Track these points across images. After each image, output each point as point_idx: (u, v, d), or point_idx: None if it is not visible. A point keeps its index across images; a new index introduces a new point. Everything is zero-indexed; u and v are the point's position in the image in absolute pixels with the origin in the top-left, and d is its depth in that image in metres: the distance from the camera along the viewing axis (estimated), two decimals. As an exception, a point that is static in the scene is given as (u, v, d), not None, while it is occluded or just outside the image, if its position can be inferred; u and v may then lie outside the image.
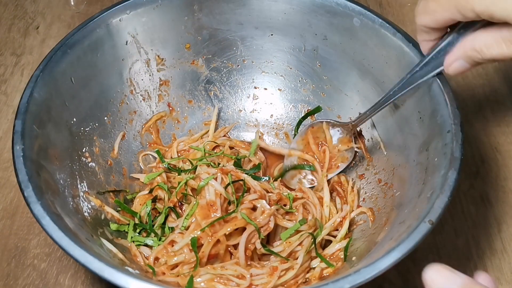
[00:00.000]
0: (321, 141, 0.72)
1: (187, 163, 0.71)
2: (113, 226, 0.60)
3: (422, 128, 0.60)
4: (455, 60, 0.53)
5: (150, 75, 0.73)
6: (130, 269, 0.52)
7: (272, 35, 0.74)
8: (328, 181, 0.70)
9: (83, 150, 0.64)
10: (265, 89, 0.78)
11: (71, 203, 0.56)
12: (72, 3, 0.99)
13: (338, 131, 0.71)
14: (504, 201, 0.73)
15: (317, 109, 0.75)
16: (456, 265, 0.62)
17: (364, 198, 0.67)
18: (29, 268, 0.66)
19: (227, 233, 0.57)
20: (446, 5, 0.49)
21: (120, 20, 0.67)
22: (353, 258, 0.58)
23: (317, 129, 0.72)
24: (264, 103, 0.79)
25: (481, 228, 0.70)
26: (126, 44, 0.69)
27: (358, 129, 0.71)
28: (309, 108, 0.77)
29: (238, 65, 0.77)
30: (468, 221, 0.71)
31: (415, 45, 0.61)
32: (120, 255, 0.55)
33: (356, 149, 0.71)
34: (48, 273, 0.65)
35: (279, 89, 0.78)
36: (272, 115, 0.79)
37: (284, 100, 0.78)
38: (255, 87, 0.79)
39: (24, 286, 0.64)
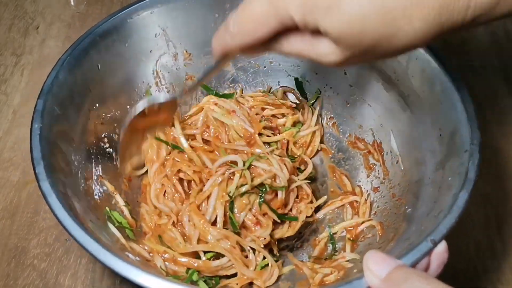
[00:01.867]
0: None
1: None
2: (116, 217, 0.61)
3: (441, 145, 0.58)
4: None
5: (176, 69, 0.74)
6: (130, 255, 0.53)
7: (301, 39, 0.74)
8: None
9: (102, 136, 0.65)
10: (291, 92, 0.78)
11: (83, 185, 0.57)
12: (72, 3, 1.00)
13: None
14: (504, 201, 0.72)
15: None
16: (456, 265, 0.61)
17: (375, 212, 0.66)
18: (29, 268, 0.66)
19: None
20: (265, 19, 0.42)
21: (151, 12, 0.69)
22: (354, 271, 0.57)
23: None
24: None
25: (481, 228, 0.69)
26: (155, 36, 0.71)
27: (378, 141, 0.70)
28: (332, 115, 0.76)
29: (265, 67, 0.77)
30: (468, 221, 0.70)
31: (441, 58, 0.59)
32: (123, 241, 0.55)
33: (374, 162, 0.70)
34: (48, 273, 0.66)
35: (303, 94, 0.78)
36: (294, 119, 0.79)
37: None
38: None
39: (24, 286, 0.65)
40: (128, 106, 0.69)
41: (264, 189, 0.62)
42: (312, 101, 0.77)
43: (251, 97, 0.76)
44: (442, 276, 0.63)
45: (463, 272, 0.66)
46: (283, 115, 0.75)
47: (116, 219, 0.59)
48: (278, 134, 0.73)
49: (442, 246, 0.47)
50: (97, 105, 0.64)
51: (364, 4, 0.38)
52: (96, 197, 0.59)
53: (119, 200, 0.62)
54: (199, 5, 0.71)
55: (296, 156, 0.72)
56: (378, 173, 0.69)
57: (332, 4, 0.39)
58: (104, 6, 1.00)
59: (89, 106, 0.63)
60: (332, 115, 0.76)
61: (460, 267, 0.66)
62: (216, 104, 0.71)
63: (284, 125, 0.74)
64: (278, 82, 0.78)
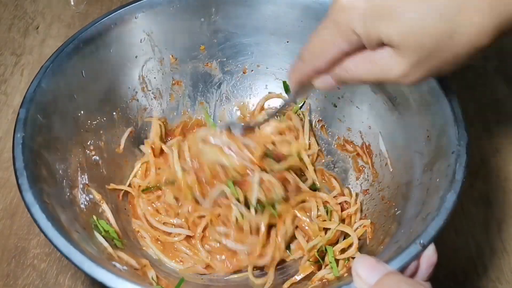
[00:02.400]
0: None
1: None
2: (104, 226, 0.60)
3: (429, 147, 0.58)
4: (323, 75, 0.50)
5: (163, 74, 0.74)
6: (118, 265, 0.53)
7: (288, 42, 0.73)
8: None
9: (88, 143, 0.64)
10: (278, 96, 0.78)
11: (68, 194, 0.57)
12: (72, 3, 1.00)
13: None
14: (504, 201, 0.72)
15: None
16: (456, 265, 0.61)
17: (366, 214, 0.66)
18: (29, 268, 0.66)
19: None
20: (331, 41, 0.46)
21: (136, 17, 0.68)
22: (345, 275, 0.57)
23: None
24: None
25: (481, 228, 0.70)
26: (141, 42, 0.70)
27: (367, 143, 0.70)
28: (320, 118, 0.76)
29: (252, 70, 0.77)
30: (468, 221, 0.70)
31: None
32: (110, 250, 0.55)
33: (363, 164, 0.70)
34: (48, 273, 0.66)
35: (291, 97, 0.77)
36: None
37: (295, 108, 0.78)
38: (269, 93, 0.78)
39: (24, 286, 0.65)
40: (114, 113, 0.69)
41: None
42: (300, 105, 0.76)
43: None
44: (442, 276, 0.64)
45: (463, 272, 0.66)
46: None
47: (103, 228, 0.58)
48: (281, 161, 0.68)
49: (431, 249, 0.47)
50: (82, 112, 0.64)
51: (420, 7, 0.40)
52: (82, 206, 0.58)
53: (106, 209, 0.61)
54: (184, 10, 0.70)
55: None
56: (368, 176, 0.69)
57: (391, 10, 0.41)
58: (104, 6, 1.00)
59: (73, 114, 0.62)
60: (320, 118, 0.76)
61: (460, 266, 0.66)
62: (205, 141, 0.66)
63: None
64: (266, 85, 0.78)
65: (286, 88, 0.77)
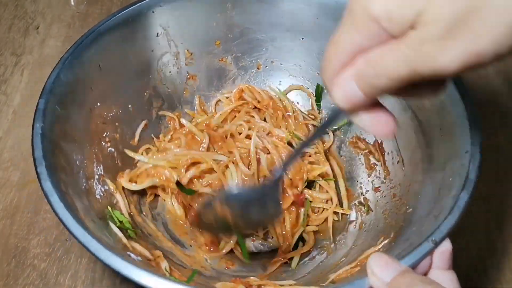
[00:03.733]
0: None
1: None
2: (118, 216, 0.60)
3: (442, 146, 0.58)
4: (344, 81, 0.37)
5: (178, 68, 0.74)
6: (132, 255, 0.53)
7: (303, 39, 0.74)
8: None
9: (104, 135, 0.65)
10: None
11: (84, 184, 0.57)
12: (72, 3, 1.01)
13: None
14: (504, 201, 0.72)
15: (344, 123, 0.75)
16: (456, 265, 0.61)
17: (375, 211, 0.66)
18: (29, 268, 0.66)
19: None
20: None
21: (153, 12, 0.69)
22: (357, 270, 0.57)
23: None
24: (288, 106, 0.79)
25: (481, 228, 0.69)
26: (157, 36, 0.71)
27: (379, 141, 0.70)
28: (333, 115, 0.76)
29: (267, 66, 0.77)
30: (468, 221, 0.70)
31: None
32: (125, 240, 0.55)
33: (375, 162, 0.70)
34: (48, 273, 0.66)
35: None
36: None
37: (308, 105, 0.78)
38: (280, 89, 0.78)
39: (24, 286, 0.65)
40: (129, 106, 0.70)
41: None
42: (336, 127, 0.76)
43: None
44: None
45: (463, 272, 0.66)
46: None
47: (118, 218, 0.59)
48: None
49: (447, 246, 0.47)
50: (98, 104, 0.64)
51: None
52: (98, 196, 0.59)
53: (119, 200, 0.62)
54: (201, 4, 0.71)
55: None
56: (379, 173, 0.69)
57: None
58: (104, 6, 1.00)
59: (90, 106, 0.63)
60: (333, 115, 0.76)
61: (460, 266, 0.65)
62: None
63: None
64: (280, 82, 0.78)
65: (318, 93, 0.76)
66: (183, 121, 0.73)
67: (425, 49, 0.32)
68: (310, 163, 0.70)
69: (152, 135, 0.73)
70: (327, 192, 0.69)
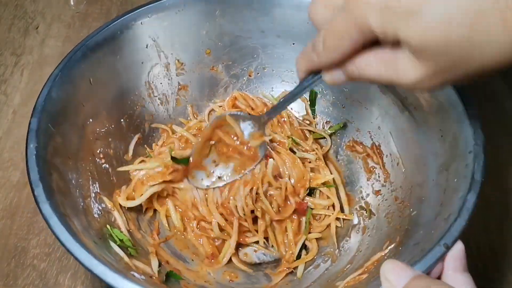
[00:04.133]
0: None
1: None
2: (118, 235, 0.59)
3: (443, 147, 0.58)
4: (334, 69, 0.45)
5: (169, 79, 0.73)
6: (136, 274, 0.52)
7: (294, 44, 0.73)
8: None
9: (98, 151, 0.63)
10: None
11: (82, 204, 0.56)
12: (72, 3, 1.00)
13: (249, 125, 0.65)
14: (504, 201, 0.72)
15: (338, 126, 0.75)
16: None
17: (377, 215, 0.66)
18: (29, 268, 0.65)
19: None
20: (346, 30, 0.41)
21: (141, 23, 0.67)
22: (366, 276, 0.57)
23: (224, 122, 0.66)
24: (282, 113, 0.78)
25: (481, 228, 0.69)
26: (146, 47, 0.69)
27: (376, 143, 0.70)
28: (328, 119, 0.76)
29: (258, 73, 0.77)
30: (468, 221, 0.69)
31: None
32: (126, 259, 0.54)
33: (374, 165, 0.70)
34: (48, 273, 0.65)
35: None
36: (290, 125, 0.78)
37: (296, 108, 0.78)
38: (273, 96, 0.78)
39: (24, 286, 0.64)
40: (121, 120, 0.68)
41: None
42: (332, 131, 0.75)
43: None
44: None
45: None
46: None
47: (118, 237, 0.57)
48: None
49: (459, 248, 0.46)
50: (90, 120, 0.63)
51: (451, 5, 0.34)
52: (96, 215, 0.58)
53: (117, 217, 0.60)
54: (190, 14, 0.70)
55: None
56: (379, 176, 0.69)
57: (414, 7, 0.35)
58: (103, 6, 1.00)
59: (83, 122, 0.61)
60: (328, 119, 0.76)
61: None
62: None
63: None
64: (272, 88, 0.77)
65: (312, 98, 0.76)
66: (175, 127, 0.73)
67: (401, 69, 0.40)
68: (311, 169, 0.69)
69: (145, 145, 0.72)
70: (328, 198, 0.68)
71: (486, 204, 0.71)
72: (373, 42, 0.41)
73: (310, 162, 0.70)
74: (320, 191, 0.70)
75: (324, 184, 0.70)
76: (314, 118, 0.76)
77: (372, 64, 0.42)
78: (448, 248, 0.46)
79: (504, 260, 0.67)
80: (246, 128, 0.65)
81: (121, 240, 0.57)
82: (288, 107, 0.75)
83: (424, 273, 0.44)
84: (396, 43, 0.39)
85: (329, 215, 0.67)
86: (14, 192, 0.72)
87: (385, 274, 0.42)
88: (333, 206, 0.68)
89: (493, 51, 0.35)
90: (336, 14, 0.41)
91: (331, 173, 0.70)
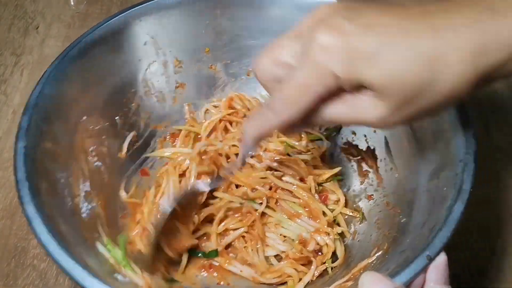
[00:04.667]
0: None
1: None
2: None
3: (436, 153, 0.57)
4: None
5: (166, 77, 0.73)
6: (120, 277, 0.52)
7: (293, 44, 0.72)
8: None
9: (90, 149, 0.64)
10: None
11: (69, 203, 0.56)
12: (72, 3, 1.00)
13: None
14: (504, 201, 0.72)
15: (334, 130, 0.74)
16: (456, 265, 0.60)
17: (368, 220, 0.65)
18: (29, 268, 0.66)
19: None
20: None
21: (140, 20, 0.67)
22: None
23: None
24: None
25: (481, 228, 0.69)
26: (145, 44, 0.69)
27: (371, 147, 0.69)
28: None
29: (257, 72, 0.76)
30: (468, 221, 0.68)
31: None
32: (112, 261, 0.54)
33: (368, 169, 0.69)
34: (48, 273, 0.65)
35: (296, 100, 0.76)
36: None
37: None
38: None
39: (24, 286, 0.64)
40: (116, 117, 0.68)
41: None
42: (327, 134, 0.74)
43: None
44: None
45: (463, 272, 0.66)
46: None
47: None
48: None
49: (442, 260, 0.46)
50: (84, 117, 0.63)
51: (402, 51, 0.39)
52: (84, 215, 0.58)
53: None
54: (189, 12, 0.70)
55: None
56: (372, 181, 0.68)
57: (373, 54, 0.39)
58: (104, 6, 0.99)
59: (76, 120, 0.62)
60: (325, 121, 0.75)
61: (460, 266, 0.66)
62: None
63: None
64: (270, 87, 0.77)
65: None
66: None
67: (364, 109, 0.42)
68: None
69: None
70: (334, 193, 0.68)
71: (486, 204, 0.71)
72: (334, 92, 0.42)
73: (306, 163, 0.69)
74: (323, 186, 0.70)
75: (327, 179, 0.69)
76: None
77: (334, 109, 0.43)
78: (431, 259, 0.45)
79: (504, 260, 0.66)
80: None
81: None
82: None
83: (404, 286, 0.43)
84: (356, 87, 0.41)
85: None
86: (14, 192, 0.70)
87: (364, 286, 0.42)
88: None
89: (443, 85, 0.40)
90: (289, 70, 0.42)
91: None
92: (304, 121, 0.44)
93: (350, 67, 0.39)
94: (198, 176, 0.65)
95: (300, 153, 0.70)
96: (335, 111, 0.43)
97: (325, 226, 0.63)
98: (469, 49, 0.39)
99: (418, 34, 0.39)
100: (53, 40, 0.93)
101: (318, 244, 0.62)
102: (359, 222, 0.66)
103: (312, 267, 0.61)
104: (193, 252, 0.64)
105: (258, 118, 0.46)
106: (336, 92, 0.42)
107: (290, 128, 0.45)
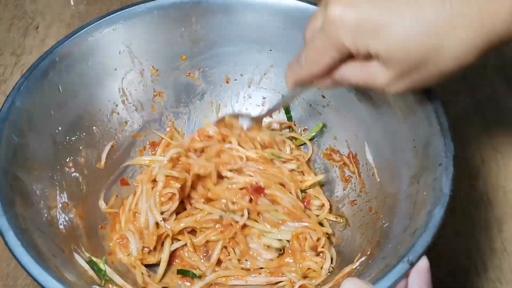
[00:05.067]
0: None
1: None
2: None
3: (415, 158, 0.57)
4: (323, 78, 0.52)
5: (144, 86, 0.72)
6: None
7: (271, 50, 0.72)
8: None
9: (67, 160, 0.62)
10: (263, 105, 0.76)
11: (46, 215, 0.55)
12: (72, 3, 0.99)
13: (247, 121, 0.70)
14: (504, 201, 0.72)
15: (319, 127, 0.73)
16: (456, 265, 0.60)
17: (351, 225, 0.65)
18: None
19: None
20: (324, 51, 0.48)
21: (113, 29, 0.66)
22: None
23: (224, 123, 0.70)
24: (260, 119, 0.77)
25: (481, 228, 0.69)
26: (120, 53, 0.68)
27: (353, 152, 0.69)
28: (306, 127, 0.74)
29: (236, 79, 0.75)
30: (468, 221, 0.70)
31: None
32: (91, 272, 0.53)
33: (350, 174, 0.69)
34: None
35: (276, 106, 0.76)
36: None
37: (280, 117, 0.76)
38: (251, 103, 0.77)
39: (24, 286, 0.64)
40: (93, 128, 0.67)
41: None
42: (313, 134, 0.74)
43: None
44: (442, 276, 0.63)
45: (463, 272, 0.66)
46: None
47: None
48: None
49: (423, 264, 0.46)
50: (59, 128, 0.62)
51: (407, 22, 0.41)
52: (61, 226, 0.57)
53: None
54: (164, 20, 0.69)
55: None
56: (355, 186, 0.68)
57: (379, 25, 0.42)
58: (103, 6, 0.99)
59: (50, 131, 0.60)
60: (306, 127, 0.75)
61: (460, 266, 0.66)
62: None
63: None
64: (250, 95, 0.76)
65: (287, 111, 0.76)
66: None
67: (373, 73, 0.47)
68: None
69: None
70: (317, 198, 0.69)
71: (486, 204, 0.71)
72: (349, 56, 0.47)
73: (292, 170, 0.69)
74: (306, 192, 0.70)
75: (311, 186, 0.69)
76: (294, 125, 0.75)
77: (350, 70, 0.49)
78: (412, 265, 0.45)
79: (504, 260, 0.67)
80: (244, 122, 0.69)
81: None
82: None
83: None
84: (367, 56, 0.45)
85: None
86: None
87: None
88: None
89: (448, 52, 0.42)
90: (315, 35, 0.48)
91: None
92: (328, 76, 0.51)
93: (357, 39, 0.44)
94: (167, 182, 0.63)
95: (285, 162, 0.70)
96: (349, 71, 0.49)
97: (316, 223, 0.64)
98: (477, 16, 0.40)
99: (425, 4, 0.41)
100: (53, 40, 0.92)
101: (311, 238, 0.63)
102: (342, 229, 0.66)
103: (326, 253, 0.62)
104: (184, 272, 0.63)
105: (293, 69, 0.54)
106: (352, 56, 0.47)
107: (317, 79, 0.52)
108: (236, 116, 0.70)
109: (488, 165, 0.76)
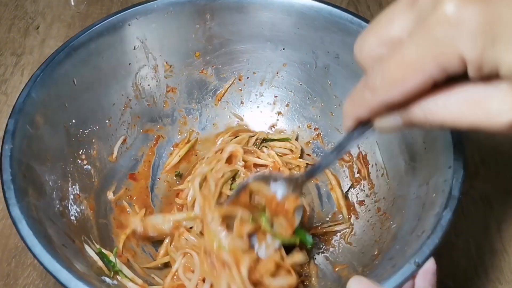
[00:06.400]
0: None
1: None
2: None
3: (426, 159, 0.57)
4: (390, 113, 0.36)
5: (157, 81, 0.73)
6: (107, 279, 0.52)
7: (284, 49, 0.72)
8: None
9: (80, 152, 0.63)
10: (274, 103, 0.77)
11: (58, 206, 0.55)
12: (72, 3, 1.00)
13: (282, 185, 0.56)
14: (504, 201, 0.72)
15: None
16: (456, 265, 0.60)
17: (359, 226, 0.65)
18: (29, 268, 0.65)
19: None
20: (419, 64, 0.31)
21: (129, 24, 0.67)
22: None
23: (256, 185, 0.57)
24: (270, 117, 0.77)
25: (481, 228, 0.69)
26: (134, 49, 0.69)
27: (363, 153, 0.69)
28: (317, 126, 0.75)
29: (248, 77, 0.76)
30: (468, 221, 0.70)
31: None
32: (100, 263, 0.54)
33: (359, 174, 0.69)
34: None
35: (287, 104, 0.76)
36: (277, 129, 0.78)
37: (291, 116, 0.77)
38: (263, 101, 0.77)
39: (24, 286, 0.64)
40: (106, 121, 0.68)
41: None
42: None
43: None
44: (442, 276, 0.62)
45: (463, 272, 0.66)
46: None
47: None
48: None
49: (430, 266, 0.46)
50: (73, 121, 0.63)
51: None
52: (73, 217, 0.57)
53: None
54: (179, 16, 0.69)
55: None
56: (363, 186, 0.68)
57: None
58: (104, 6, 1.00)
59: (64, 123, 0.61)
60: (317, 126, 0.75)
61: (460, 266, 0.66)
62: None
63: None
64: (262, 93, 0.77)
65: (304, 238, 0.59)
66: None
67: (494, 108, 0.32)
68: None
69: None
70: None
71: (486, 204, 0.71)
72: (449, 79, 0.32)
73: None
74: None
75: None
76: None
77: (451, 105, 0.33)
78: (419, 266, 0.45)
79: (504, 260, 0.67)
80: (279, 188, 0.56)
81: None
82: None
83: None
84: (488, 76, 0.31)
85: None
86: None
87: None
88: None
89: None
90: (396, 47, 0.33)
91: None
92: (403, 111, 0.35)
93: (487, 47, 0.29)
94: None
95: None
96: (445, 106, 0.32)
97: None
98: None
99: None
100: (54, 40, 0.93)
101: None
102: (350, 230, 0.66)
103: None
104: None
105: (355, 98, 0.38)
106: (453, 79, 0.32)
107: (386, 113, 0.36)
108: (266, 179, 0.56)
109: (488, 165, 0.75)
